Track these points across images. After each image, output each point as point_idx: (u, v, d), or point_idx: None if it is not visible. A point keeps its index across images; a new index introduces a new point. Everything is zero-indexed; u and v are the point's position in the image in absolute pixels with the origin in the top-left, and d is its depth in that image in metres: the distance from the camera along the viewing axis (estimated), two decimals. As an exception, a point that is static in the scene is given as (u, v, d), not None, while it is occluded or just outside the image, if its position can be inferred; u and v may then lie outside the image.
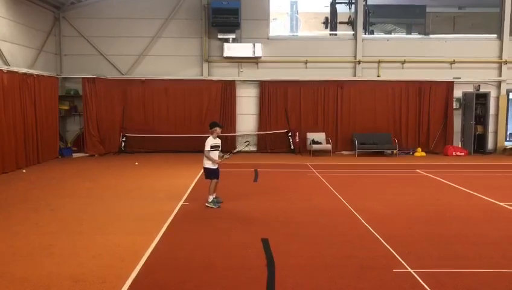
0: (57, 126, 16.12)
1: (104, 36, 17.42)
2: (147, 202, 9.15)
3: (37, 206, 8.80)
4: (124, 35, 17.44)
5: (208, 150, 8.63)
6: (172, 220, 7.85)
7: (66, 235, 7.00)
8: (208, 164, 8.69)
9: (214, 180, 8.75)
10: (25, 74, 13.85)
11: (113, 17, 17.38)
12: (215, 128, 8.77)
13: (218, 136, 8.92)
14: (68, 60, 17.50)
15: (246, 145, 8.81)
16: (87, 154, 16.70)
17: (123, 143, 17.17)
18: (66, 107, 17.06)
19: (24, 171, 13.03)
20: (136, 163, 14.57)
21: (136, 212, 8.44)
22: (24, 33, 14.78)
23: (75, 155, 16.60)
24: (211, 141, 8.68)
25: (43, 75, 15.04)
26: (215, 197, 8.78)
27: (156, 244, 6.50)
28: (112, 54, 17.55)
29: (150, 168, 13.62)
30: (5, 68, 12.95)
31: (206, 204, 8.67)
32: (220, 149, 8.83)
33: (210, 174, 8.76)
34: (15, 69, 13.47)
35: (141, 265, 5.68)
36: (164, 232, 7.13)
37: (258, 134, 17.92)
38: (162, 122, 17.47)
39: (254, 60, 17.67)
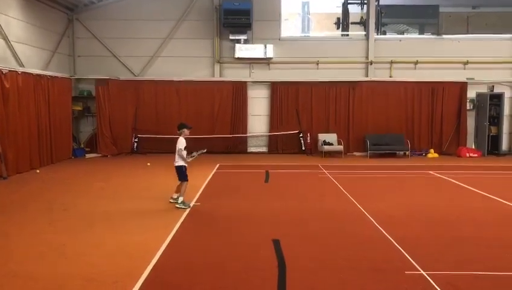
0: (70, 127, 16.29)
1: (116, 38, 17.55)
2: (158, 202, 9.19)
3: (50, 206, 8.90)
4: (136, 37, 17.55)
5: (180, 149, 8.73)
6: (183, 220, 7.88)
7: (78, 234, 7.07)
8: (181, 162, 8.76)
9: (185, 183, 8.80)
10: (39, 75, 14.01)
11: (125, 19, 17.50)
12: (183, 129, 8.86)
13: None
14: (81, 61, 17.67)
15: (202, 152, 9.07)
16: (99, 155, 16.83)
17: (135, 144, 17.26)
18: (79, 108, 17.23)
19: (38, 171, 13.17)
20: (148, 164, 14.65)
21: (148, 212, 8.48)
22: (38, 35, 14.96)
23: (88, 156, 16.73)
24: (183, 141, 8.79)
25: (56, 76, 15.21)
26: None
27: (168, 245, 6.52)
28: (124, 55, 17.68)
29: (162, 169, 13.66)
30: (20, 69, 13.11)
31: (177, 205, 8.68)
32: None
33: (184, 174, 8.79)
34: (29, 70, 13.63)
35: (153, 265, 5.71)
36: (175, 232, 7.15)
37: (269, 135, 17.92)
38: (174, 123, 17.30)
39: (265, 61, 17.67)
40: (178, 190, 8.92)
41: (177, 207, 8.66)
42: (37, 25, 14.86)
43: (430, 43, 18.10)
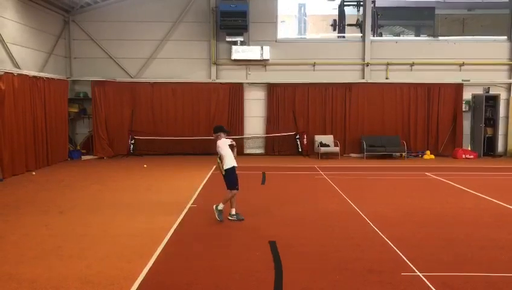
0: (67, 129, 16.25)
1: (113, 39, 17.54)
2: (155, 204, 9.18)
3: (46, 208, 8.87)
4: (133, 39, 17.54)
5: (230, 144, 8.19)
6: (180, 222, 7.87)
7: (74, 237, 7.05)
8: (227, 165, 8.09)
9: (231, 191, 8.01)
10: (35, 76, 13.97)
11: (122, 21, 17.49)
12: (219, 133, 8.16)
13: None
14: (78, 63, 17.64)
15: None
16: (96, 157, 16.80)
17: (132, 146, 17.23)
18: (76, 110, 17.19)
19: (34, 173, 13.13)
20: (145, 165, 14.63)
21: (144, 214, 8.46)
22: (34, 36, 14.92)
23: (84, 157, 16.69)
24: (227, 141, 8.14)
25: (53, 78, 15.17)
26: (236, 214, 8.09)
27: (164, 246, 6.51)
28: (121, 57, 17.66)
29: (159, 171, 13.67)
30: (16, 71, 13.07)
31: (229, 217, 7.98)
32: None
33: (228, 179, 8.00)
34: (25, 72, 13.59)
35: (148, 267, 5.70)
36: (172, 234, 7.14)
37: (265, 136, 17.93)
38: (170, 125, 17.53)
39: (262, 63, 17.68)
40: (231, 204, 8.03)
41: (228, 219, 7.95)
42: (33, 27, 14.82)
43: (426, 45, 18.16)
